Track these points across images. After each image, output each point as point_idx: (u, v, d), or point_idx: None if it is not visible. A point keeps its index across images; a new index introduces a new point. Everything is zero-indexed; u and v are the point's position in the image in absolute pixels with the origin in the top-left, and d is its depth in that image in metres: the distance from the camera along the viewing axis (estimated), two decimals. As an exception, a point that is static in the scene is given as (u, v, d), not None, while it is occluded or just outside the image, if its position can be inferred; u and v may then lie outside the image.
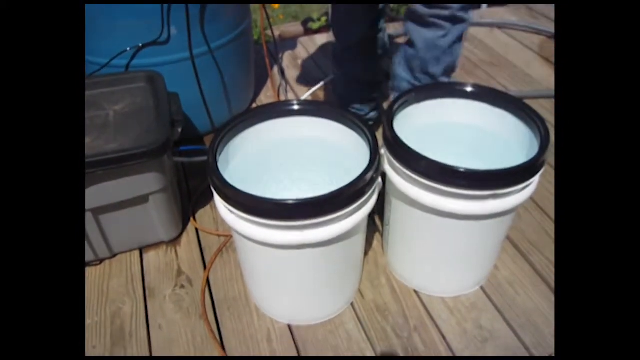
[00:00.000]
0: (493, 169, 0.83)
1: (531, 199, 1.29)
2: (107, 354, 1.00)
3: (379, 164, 0.88)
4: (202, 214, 1.31)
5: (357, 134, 0.96)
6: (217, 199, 0.86)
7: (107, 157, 0.98)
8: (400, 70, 1.27)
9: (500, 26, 2.21)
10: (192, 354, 1.00)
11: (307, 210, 0.78)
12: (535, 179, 0.90)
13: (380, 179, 0.90)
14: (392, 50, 1.77)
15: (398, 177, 0.92)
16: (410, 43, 1.20)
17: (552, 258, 1.17)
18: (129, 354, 1.00)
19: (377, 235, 1.24)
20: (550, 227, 1.25)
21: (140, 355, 1.00)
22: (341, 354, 0.99)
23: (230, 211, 0.84)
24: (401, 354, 0.99)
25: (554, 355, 0.97)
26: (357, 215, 0.84)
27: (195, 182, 1.40)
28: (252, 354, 1.00)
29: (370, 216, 0.92)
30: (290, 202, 0.77)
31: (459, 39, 1.18)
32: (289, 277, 0.95)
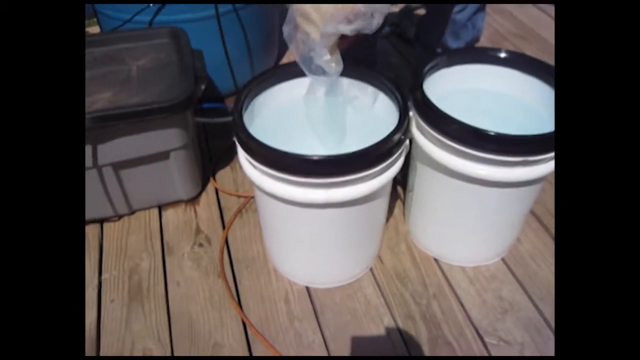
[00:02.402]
0: (524, 134, 0.81)
1: (557, 172, 1.27)
2: (124, 308, 1.01)
3: (408, 125, 0.85)
4: (222, 175, 1.30)
5: (386, 95, 0.93)
6: (241, 153, 0.84)
7: (129, 110, 0.97)
8: (419, 47, 1.21)
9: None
10: (209, 312, 1.00)
11: (333, 167, 0.76)
12: (567, 148, 0.87)
13: (407, 142, 0.88)
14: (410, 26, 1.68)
15: (425, 140, 0.90)
16: (426, 18, 1.15)
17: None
18: (147, 309, 1.00)
19: (398, 203, 1.22)
20: (576, 202, 1.22)
21: (158, 308, 1.00)
22: (359, 318, 0.99)
23: (254, 166, 0.82)
24: (419, 321, 0.98)
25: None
26: (383, 177, 0.82)
27: (217, 143, 1.39)
28: (269, 314, 0.99)
29: (393, 183, 0.90)
30: (316, 157, 0.75)
31: (480, 9, 1.12)
32: (310, 237, 0.94)
